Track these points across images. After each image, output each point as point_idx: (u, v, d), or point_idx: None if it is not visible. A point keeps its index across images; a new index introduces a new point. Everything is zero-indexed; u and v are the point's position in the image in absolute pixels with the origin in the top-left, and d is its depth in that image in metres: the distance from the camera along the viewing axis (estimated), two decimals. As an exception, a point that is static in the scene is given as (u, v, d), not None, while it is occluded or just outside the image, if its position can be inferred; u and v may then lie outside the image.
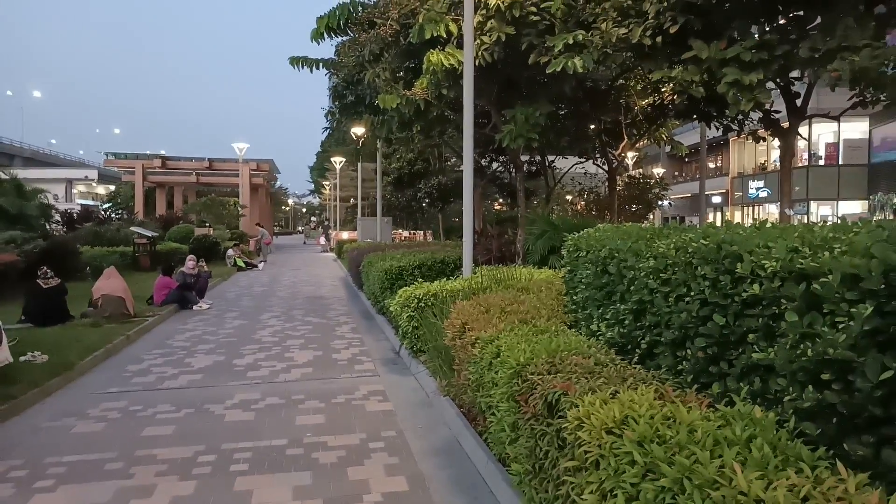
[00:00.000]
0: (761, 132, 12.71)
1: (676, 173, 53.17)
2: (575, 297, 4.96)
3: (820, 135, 34.84)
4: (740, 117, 11.97)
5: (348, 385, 6.92)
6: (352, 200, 42.84)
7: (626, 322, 3.70)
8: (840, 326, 1.99)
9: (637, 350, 3.56)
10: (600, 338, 4.01)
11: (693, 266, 2.92)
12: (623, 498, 2.14)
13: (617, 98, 15.48)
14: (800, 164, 35.89)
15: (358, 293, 15.65)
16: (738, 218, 41.12)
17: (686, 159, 43.36)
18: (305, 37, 15.70)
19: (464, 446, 4.85)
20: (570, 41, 10.05)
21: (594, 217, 19.10)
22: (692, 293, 2.91)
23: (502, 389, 3.64)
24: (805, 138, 30.68)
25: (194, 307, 13.48)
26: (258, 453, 4.81)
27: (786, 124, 10.33)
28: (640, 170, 29.72)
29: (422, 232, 32.54)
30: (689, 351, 2.96)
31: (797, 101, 10.26)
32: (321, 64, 16.04)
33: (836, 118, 10.89)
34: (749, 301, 2.49)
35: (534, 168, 23.18)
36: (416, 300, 7.62)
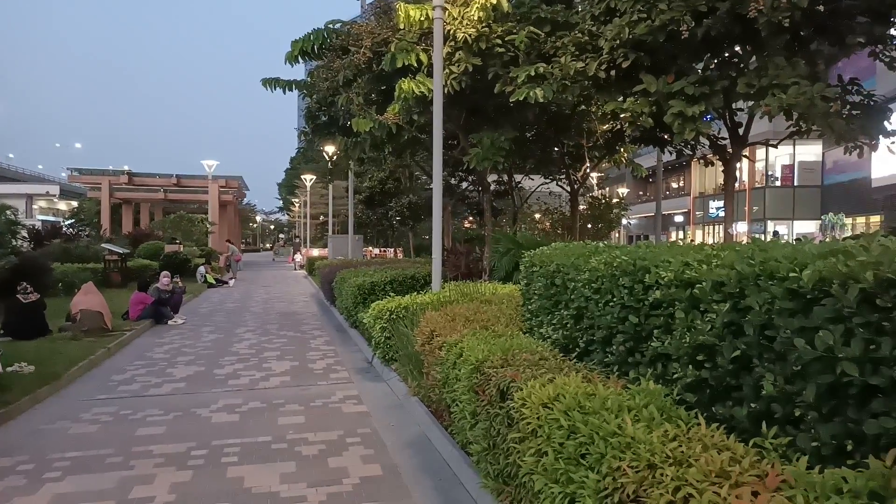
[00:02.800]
0: (711, 157, 13.66)
1: (641, 193, 54.87)
2: (530, 307, 5.61)
3: (777, 157, 36.50)
4: (691, 143, 12.88)
5: (325, 391, 7.44)
6: (321, 217, 43.13)
7: (568, 325, 4.36)
8: (707, 319, 2.66)
9: (577, 348, 4.22)
10: (548, 340, 4.66)
11: (616, 277, 3.59)
12: (553, 454, 2.77)
13: (579, 123, 16.35)
14: (757, 186, 37.56)
15: (330, 309, 16.12)
16: (699, 236, 42.71)
17: (650, 180, 44.99)
18: (278, 58, 16.26)
19: (431, 439, 5.43)
20: (533, 73, 10.87)
21: (559, 235, 19.99)
22: (615, 299, 3.58)
23: (464, 383, 4.26)
24: (751, 160, 32.13)
25: (169, 322, 13.80)
26: (246, 448, 5.32)
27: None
28: (604, 190, 30.81)
29: (392, 249, 33.11)
30: (613, 346, 3.63)
31: (739, 129, 11.21)
32: (294, 85, 16.60)
33: (775, 146, 11.89)
34: (654, 304, 3.16)
35: (502, 188, 24.02)
36: (388, 312, 8.20)
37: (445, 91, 11.13)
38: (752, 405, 2.41)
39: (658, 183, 18.42)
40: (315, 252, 33.95)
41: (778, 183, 37.40)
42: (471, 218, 34.58)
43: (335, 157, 23.19)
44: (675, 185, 51.62)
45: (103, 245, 23.28)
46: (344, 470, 4.80)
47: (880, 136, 10.44)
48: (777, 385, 2.26)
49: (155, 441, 5.53)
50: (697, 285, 2.77)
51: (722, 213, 39.56)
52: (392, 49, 11.91)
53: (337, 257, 24.44)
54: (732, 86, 9.49)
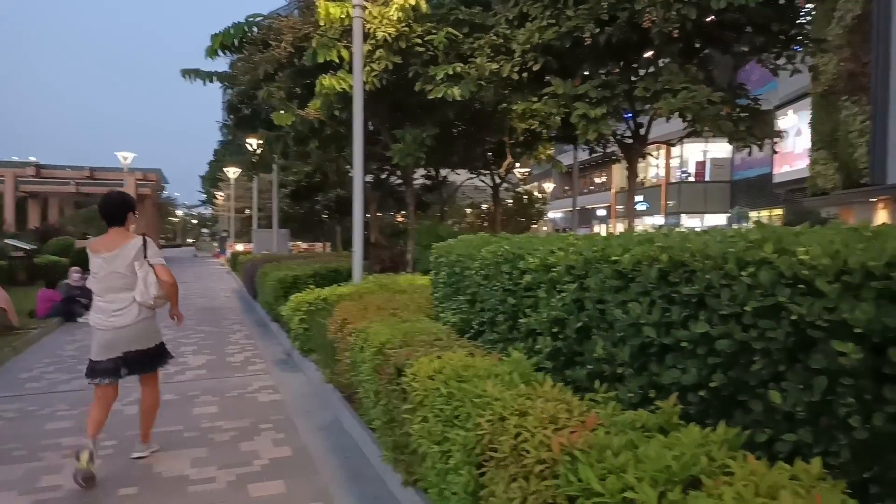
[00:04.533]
0: (619, 155, 14.50)
1: (566, 188, 56.68)
2: (437, 295, 6.00)
3: (691, 154, 38.54)
4: (601, 141, 13.62)
5: (241, 382, 7.60)
6: (247, 212, 42.28)
7: (464, 309, 4.78)
8: (561, 297, 3.11)
9: (471, 329, 4.63)
10: (448, 324, 5.06)
11: (500, 265, 4.02)
12: (433, 419, 3.15)
13: (500, 121, 16.90)
14: (673, 181, 39.56)
15: (253, 304, 16.07)
16: (619, 228, 44.64)
17: (577, 175, 46.61)
18: (199, 50, 16.02)
19: (343, 422, 5.74)
20: (451, 72, 11.29)
21: (484, 229, 20.58)
22: (498, 283, 4.01)
23: (368, 365, 4.59)
24: (654, 157, 33.79)
25: (79, 319, 13.42)
26: (157, 438, 5.45)
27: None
28: (527, 185, 31.70)
29: (321, 244, 32.96)
30: (497, 325, 4.06)
31: (641, 130, 12.02)
32: (215, 77, 16.38)
33: (672, 145, 12.82)
34: (526, 287, 3.60)
35: (430, 182, 24.42)
36: (307, 304, 8.40)
37: (367, 88, 11.37)
38: (589, 367, 2.87)
39: (574, 178, 19.31)
40: (239, 247, 33.35)
41: (691, 179, 39.47)
42: (403, 213, 34.88)
43: (259, 150, 22.98)
44: (599, 181, 53.45)
45: (6, 241, 22.16)
46: (255, 453, 5.04)
47: (767, 137, 11.46)
48: (606, 349, 2.72)
49: (64, 434, 5.58)
50: (555, 269, 3.22)
51: (641, 207, 41.56)
52: (313, 45, 12.04)
53: (261, 252, 24.20)
54: (632, 90, 10.21)
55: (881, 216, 18.79)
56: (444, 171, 22.60)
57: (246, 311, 15.29)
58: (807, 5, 10.85)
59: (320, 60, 11.80)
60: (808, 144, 21.56)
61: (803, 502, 1.56)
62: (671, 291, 2.38)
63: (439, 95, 11.15)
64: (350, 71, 11.88)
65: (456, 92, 11.03)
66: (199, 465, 4.78)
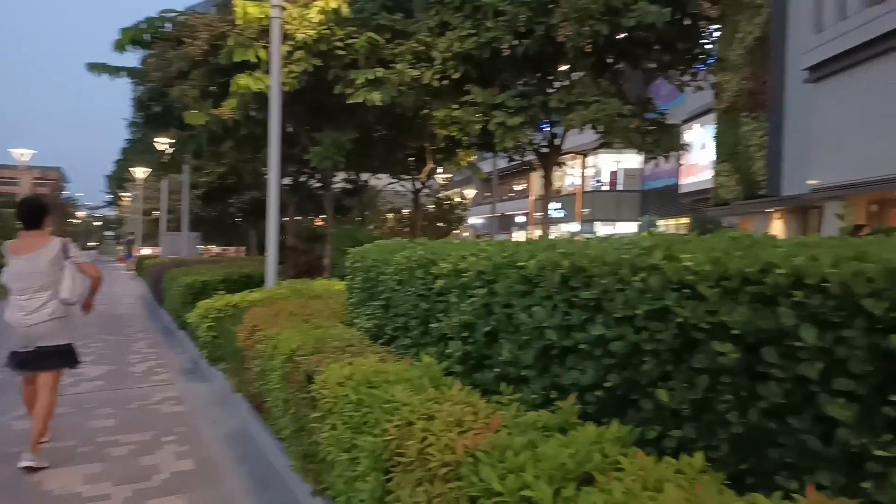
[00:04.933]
0: (536, 164, 14.88)
1: (487, 194, 57.57)
2: (352, 300, 5.94)
3: (605, 164, 40.05)
4: (518, 150, 13.90)
5: (143, 393, 7.23)
6: (155, 214, 40.33)
7: (378, 315, 4.76)
8: (471, 302, 3.17)
9: (385, 335, 4.62)
10: (363, 330, 5.02)
11: (414, 270, 4.04)
12: (342, 426, 3.12)
13: (421, 127, 16.93)
14: (588, 190, 40.98)
15: (159, 310, 15.34)
16: (538, 235, 45.74)
17: (497, 182, 47.42)
18: (106, 43, 15.18)
19: (252, 432, 5.57)
20: (371, 76, 11.22)
21: (404, 234, 20.57)
22: (412, 288, 4.02)
23: (277, 373, 4.48)
24: (570, 166, 35.01)
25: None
26: (47, 454, 5.09)
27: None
28: (449, 191, 31.98)
29: (234, 248, 31.89)
30: (410, 330, 4.07)
31: (556, 140, 12.40)
32: (124, 73, 15.59)
33: (585, 155, 13.31)
34: (439, 292, 3.64)
35: (349, 186, 24.15)
36: (215, 311, 8.10)
37: (285, 89, 11.14)
38: (497, 370, 2.93)
39: (493, 185, 19.60)
40: (146, 250, 31.75)
41: (605, 188, 41.02)
42: (322, 216, 34.25)
43: (171, 150, 21.98)
44: (519, 188, 54.55)
45: None
46: (154, 467, 4.81)
47: (673, 150, 12.08)
48: (512, 352, 2.79)
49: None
50: (466, 274, 3.27)
51: (559, 215, 42.79)
52: (230, 44, 11.67)
53: (170, 256, 23.15)
54: (548, 100, 10.53)
55: (776, 226, 20.25)
56: (364, 176, 22.43)
57: (151, 318, 14.57)
58: (711, 26, 11.54)
59: (237, 60, 11.44)
60: (712, 157, 22.93)
61: (685, 494, 1.66)
62: (572, 296, 2.47)
63: (359, 100, 11.07)
64: (268, 71, 11.61)
65: (376, 97, 10.99)
66: (94, 482, 4.51)
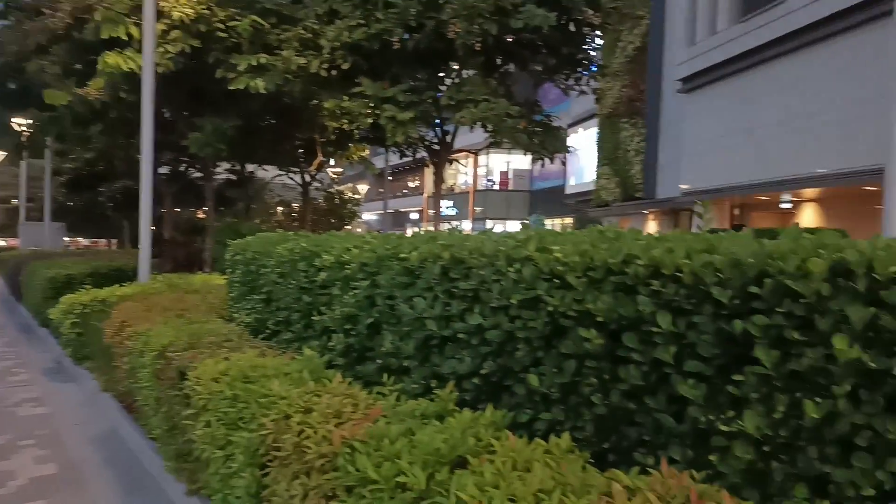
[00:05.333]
0: (428, 161, 14.96)
1: (381, 190, 57.19)
2: (232, 295, 5.69)
3: (496, 164, 41.01)
4: (410, 146, 13.92)
5: (-4, 396, 6.55)
6: (13, 202, 36.58)
7: (259, 309, 4.60)
8: (353, 294, 3.14)
9: (267, 330, 4.47)
10: (242, 325, 4.83)
11: (296, 262, 3.93)
12: (217, 422, 2.98)
13: (311, 118, 16.53)
14: (480, 189, 41.82)
15: (17, 306, 13.95)
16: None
17: (391, 178, 47.23)
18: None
19: (122, 433, 5.20)
20: (255, 62, 10.79)
21: (293, 228, 19.98)
22: (294, 281, 3.92)
23: (148, 370, 4.21)
24: (463, 164, 35.73)
25: None
26: None
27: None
28: (341, 185, 31.48)
29: (106, 240, 29.58)
30: (293, 324, 3.97)
31: (447, 137, 12.55)
32: (-27, 43, 13.99)
33: (476, 154, 13.58)
34: (322, 284, 3.57)
35: (234, 177, 23.11)
36: (80, 306, 7.48)
37: (160, 71, 10.46)
38: (379, 361, 2.93)
39: (385, 181, 19.54)
40: (1, 242, 28.75)
41: (496, 187, 42.03)
42: (205, 209, 32.50)
43: (30, 132, 19.96)
44: (412, 185, 54.59)
45: None
46: (10, 473, 4.37)
47: (558, 151, 12.58)
48: (394, 343, 2.79)
49: None
50: (349, 266, 3.23)
51: (451, 212, 43.35)
52: (98, 18, 10.76)
53: (30, 247, 21.10)
54: (436, 97, 10.63)
55: (651, 226, 21.70)
56: (250, 167, 21.59)
57: (8, 314, 13.21)
58: (594, 33, 12.11)
59: (104, 36, 10.58)
60: (595, 160, 24.14)
61: (552, 473, 1.73)
62: (452, 287, 2.51)
63: (242, 86, 10.63)
64: (140, 50, 10.84)
65: (260, 84, 10.59)
66: (-71, 497, 4.02)
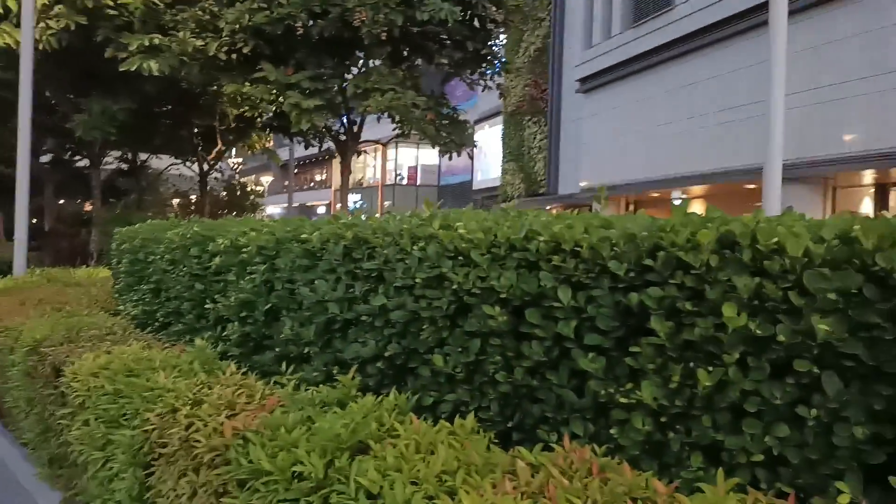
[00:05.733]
0: (335, 153, 14.64)
1: (287, 183, 55.46)
2: (118, 287, 5.31)
3: (405, 159, 40.83)
4: (316, 136, 13.55)
5: None
6: None
7: (148, 300, 4.29)
8: (250, 279, 2.98)
9: (156, 322, 4.18)
10: (129, 317, 4.49)
11: (188, 248, 3.69)
12: (97, 421, 2.73)
13: (211, 104, 15.75)
14: (388, 183, 41.53)
15: None
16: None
17: (296, 171, 45.86)
18: None
19: (-13, 442, 4.70)
20: (147, 43, 10.13)
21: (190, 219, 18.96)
22: (185, 268, 3.68)
23: (19, 367, 3.82)
24: (371, 154, 35.47)
25: None
26: None
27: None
28: (242, 177, 30.28)
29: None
30: (185, 315, 3.72)
31: (354, 127, 12.34)
32: None
33: (384, 145, 13.46)
34: (216, 271, 3.37)
35: (125, 166, 21.68)
36: (-60, 303, 6.71)
37: (41, 48, 9.61)
38: (277, 349, 2.79)
39: (290, 172, 19.03)
40: None
41: (405, 181, 41.87)
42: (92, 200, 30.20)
43: None
44: (319, 178, 53.33)
45: None
46: None
47: (465, 145, 12.68)
48: (294, 329, 2.67)
49: None
50: (246, 250, 3.06)
51: (361, 206, 42.75)
52: (-36, -15, 9.73)
53: None
54: (342, 85, 10.42)
55: (552, 221, 22.25)
56: (144, 156, 20.32)
57: None
58: (499, 29, 12.27)
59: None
60: (500, 157, 24.57)
61: (456, 454, 1.69)
62: (355, 268, 2.43)
63: (133, 67, 9.94)
64: (19, 25, 9.90)
65: (154, 65, 9.95)
66: None
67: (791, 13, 6.61)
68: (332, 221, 2.63)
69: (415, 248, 2.17)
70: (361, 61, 10.81)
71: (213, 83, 14.53)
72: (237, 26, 9.70)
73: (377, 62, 10.60)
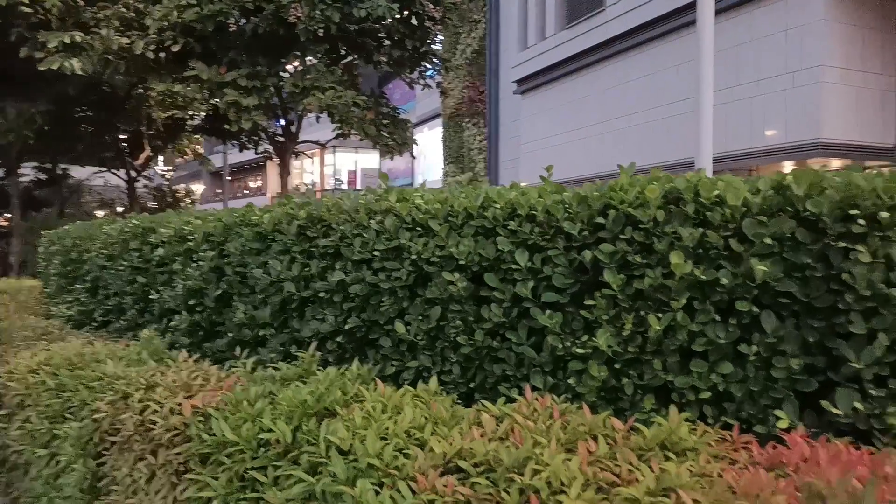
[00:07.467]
0: (273, 156, 14.36)
1: (219, 191, 53.84)
2: (50, 290, 5.06)
3: (344, 163, 40.37)
4: (253, 137, 13.26)
5: None
6: None
7: (84, 300, 4.12)
8: (198, 267, 2.92)
9: (93, 322, 4.02)
10: (63, 319, 4.30)
11: (127, 242, 3.58)
12: (39, 417, 2.62)
13: (137, 107, 15.18)
14: (328, 188, 40.98)
15: None
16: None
17: (230, 178, 44.56)
18: None
19: None
20: (68, 41, 9.68)
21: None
22: (126, 263, 3.56)
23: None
24: (309, 156, 35.04)
25: None
26: None
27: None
28: (173, 185, 29.28)
29: None
30: (127, 311, 3.60)
31: (292, 127, 12.16)
32: None
33: (323, 146, 13.33)
34: (159, 262, 3.28)
35: (44, 176, 20.58)
36: None
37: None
38: (230, 335, 2.75)
39: (224, 178, 18.55)
40: None
41: (344, 186, 41.43)
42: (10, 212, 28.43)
43: None
44: (254, 185, 52.09)
45: None
46: None
47: (406, 145, 12.70)
48: (248, 313, 2.63)
49: None
50: (191, 238, 3.00)
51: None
52: None
53: None
54: (280, 83, 10.26)
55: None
56: (66, 165, 19.34)
57: None
58: (437, 27, 12.34)
59: None
60: (441, 159, 24.73)
61: (421, 412, 1.73)
62: (310, 246, 2.42)
63: (54, 67, 9.48)
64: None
65: (76, 65, 9.51)
66: None
67: (716, 13, 6.99)
68: (283, 203, 2.62)
69: (372, 221, 2.20)
70: (298, 60, 10.65)
71: (139, 84, 14.02)
72: (165, 23, 9.39)
73: (314, 60, 10.49)
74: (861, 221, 1.48)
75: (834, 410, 1.49)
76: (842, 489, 1.05)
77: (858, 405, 1.47)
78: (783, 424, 1.50)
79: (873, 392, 1.47)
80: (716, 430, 1.52)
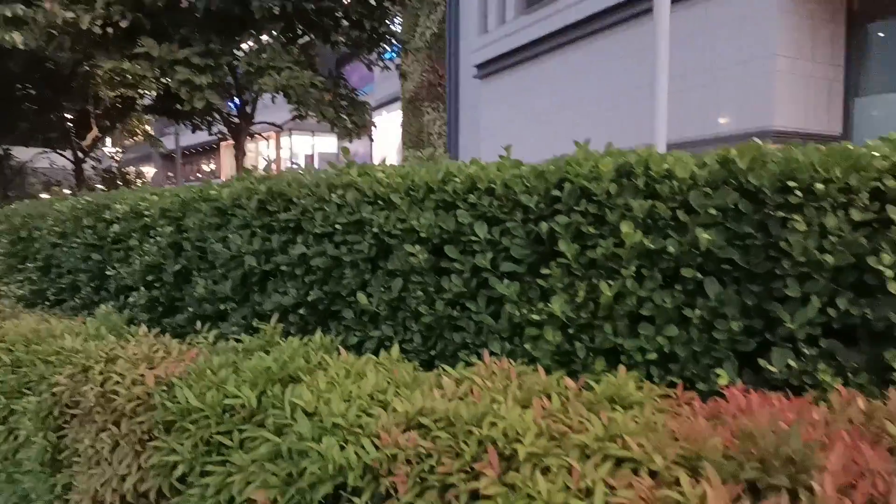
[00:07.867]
0: (228, 139, 14.06)
1: (171, 174, 52.36)
2: (-3, 271, 4.90)
3: (301, 147, 39.68)
4: (207, 118, 12.98)
5: None
6: None
7: (36, 279, 4.02)
8: (155, 243, 2.90)
9: (46, 301, 3.93)
10: (13, 299, 4.19)
11: (80, 219, 3.51)
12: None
13: (84, 86, 14.62)
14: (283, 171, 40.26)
15: None
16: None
17: (182, 161, 43.33)
18: None
19: None
20: (9, 14, 9.28)
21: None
22: (79, 240, 3.50)
23: None
24: (265, 138, 34.47)
25: None
26: None
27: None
28: (122, 168, 28.36)
29: None
30: (81, 289, 3.54)
31: (247, 108, 11.93)
32: None
33: (280, 127, 13.14)
34: (115, 239, 3.23)
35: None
36: None
37: None
38: (190, 310, 2.75)
39: (177, 161, 18.09)
40: None
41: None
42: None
43: None
44: (208, 168, 50.84)
45: None
46: None
47: (365, 127, 12.60)
48: (208, 288, 2.64)
49: None
50: (148, 213, 2.97)
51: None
52: None
53: None
54: (233, 62, 10.06)
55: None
56: (7, 146, 18.54)
57: None
58: (396, 8, 12.22)
59: None
60: (399, 143, 24.60)
61: (384, 377, 1.79)
62: (271, 221, 2.44)
63: (-6, 40, 9.08)
64: None
65: (17, 38, 9.14)
66: None
67: (672, 1, 7.17)
68: (242, 179, 2.62)
69: (334, 195, 2.23)
70: (253, 39, 10.44)
71: (86, 61, 13.50)
72: (113, -2, 9.08)
73: (270, 40, 10.31)
74: (798, 193, 1.59)
75: (770, 368, 1.61)
76: (770, 430, 1.16)
77: (792, 363, 1.60)
78: (723, 381, 1.61)
79: (806, 351, 1.59)
80: (661, 387, 1.63)
